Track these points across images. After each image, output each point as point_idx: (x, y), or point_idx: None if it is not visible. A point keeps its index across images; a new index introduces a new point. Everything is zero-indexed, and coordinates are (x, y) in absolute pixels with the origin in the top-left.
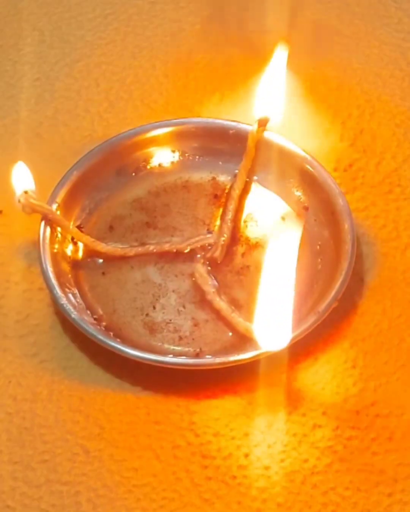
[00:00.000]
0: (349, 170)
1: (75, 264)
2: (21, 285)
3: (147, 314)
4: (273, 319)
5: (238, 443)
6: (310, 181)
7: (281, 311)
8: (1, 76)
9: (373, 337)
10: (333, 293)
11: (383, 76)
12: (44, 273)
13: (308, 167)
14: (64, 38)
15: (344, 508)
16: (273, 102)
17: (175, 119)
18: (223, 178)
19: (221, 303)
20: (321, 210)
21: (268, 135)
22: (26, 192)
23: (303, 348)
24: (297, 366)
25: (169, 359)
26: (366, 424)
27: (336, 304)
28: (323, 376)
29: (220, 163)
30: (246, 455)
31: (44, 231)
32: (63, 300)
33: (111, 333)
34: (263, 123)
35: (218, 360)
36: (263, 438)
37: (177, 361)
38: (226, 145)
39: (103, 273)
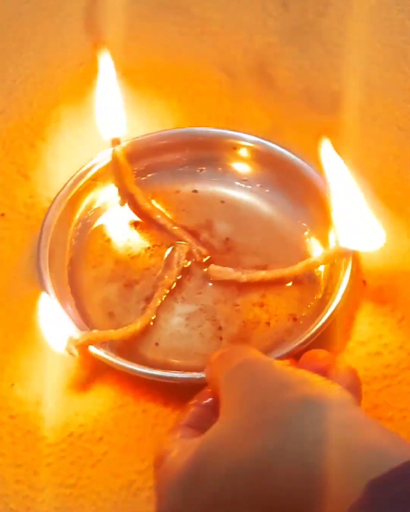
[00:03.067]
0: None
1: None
2: (24, 288)
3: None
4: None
5: None
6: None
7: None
8: (3, 80)
9: (376, 340)
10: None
11: (386, 78)
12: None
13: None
14: (66, 42)
15: None
16: (115, 116)
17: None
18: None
19: (260, 273)
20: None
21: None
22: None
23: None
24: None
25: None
26: None
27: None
28: None
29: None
30: None
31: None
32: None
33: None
34: (116, 143)
35: None
36: None
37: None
38: None
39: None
